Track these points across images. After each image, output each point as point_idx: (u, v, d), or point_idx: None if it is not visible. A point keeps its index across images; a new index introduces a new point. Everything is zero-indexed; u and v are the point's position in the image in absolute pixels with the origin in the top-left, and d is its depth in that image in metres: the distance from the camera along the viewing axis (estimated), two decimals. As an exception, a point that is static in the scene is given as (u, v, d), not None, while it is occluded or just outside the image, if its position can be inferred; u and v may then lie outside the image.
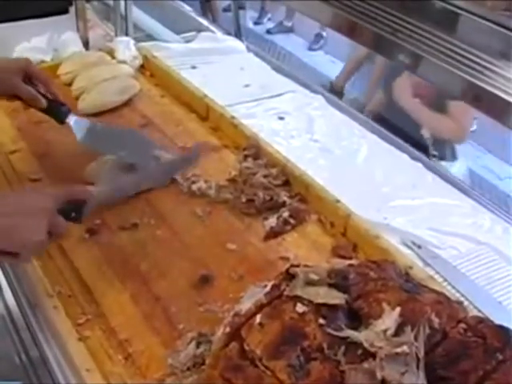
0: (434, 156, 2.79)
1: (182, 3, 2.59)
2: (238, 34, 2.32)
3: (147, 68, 1.93)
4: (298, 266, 0.92)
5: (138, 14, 2.42)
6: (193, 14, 2.48)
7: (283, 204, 1.36)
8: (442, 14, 1.15)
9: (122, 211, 1.33)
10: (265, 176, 1.41)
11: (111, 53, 1.90)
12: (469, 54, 1.13)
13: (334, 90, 4.10)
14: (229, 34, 2.30)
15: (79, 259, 1.21)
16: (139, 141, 1.48)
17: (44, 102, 1.36)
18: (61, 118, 1.39)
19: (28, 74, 1.37)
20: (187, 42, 2.22)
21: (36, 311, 1.12)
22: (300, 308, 0.84)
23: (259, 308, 0.87)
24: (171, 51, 2.08)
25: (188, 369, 0.96)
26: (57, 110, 1.39)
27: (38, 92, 1.36)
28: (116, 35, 2.19)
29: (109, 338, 1.05)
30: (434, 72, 1.23)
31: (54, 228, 1.03)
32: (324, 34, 5.72)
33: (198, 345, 0.99)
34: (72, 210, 1.10)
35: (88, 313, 1.10)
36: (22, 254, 0.99)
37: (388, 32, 1.23)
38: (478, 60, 1.11)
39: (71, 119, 1.39)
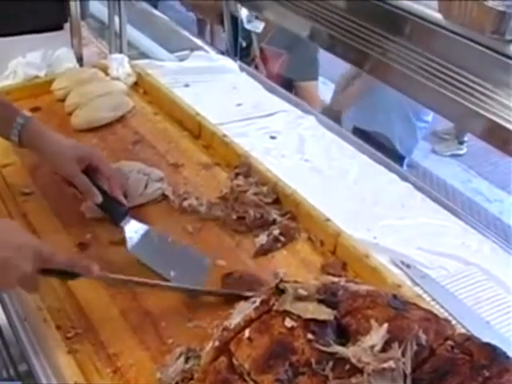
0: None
1: (175, 22, 2.62)
2: (231, 53, 2.34)
3: (141, 85, 1.94)
4: (287, 281, 0.93)
5: (132, 32, 2.44)
6: (186, 33, 2.50)
7: (273, 222, 1.36)
8: (429, 36, 1.17)
9: (113, 226, 1.33)
10: (255, 194, 1.42)
11: (105, 69, 1.91)
12: (461, 76, 1.14)
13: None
14: (222, 53, 2.32)
15: (69, 273, 1.21)
16: (193, 260, 1.27)
17: (99, 198, 1.31)
18: (115, 219, 1.30)
19: (92, 165, 1.33)
20: (181, 60, 2.24)
21: (25, 324, 1.11)
22: (289, 323, 0.84)
23: (248, 322, 0.87)
24: (165, 69, 2.09)
25: (176, 383, 0.96)
26: (113, 210, 1.32)
27: (96, 185, 1.31)
28: (110, 52, 2.21)
29: (98, 352, 1.06)
30: (424, 93, 1.25)
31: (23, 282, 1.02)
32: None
33: (187, 360, 0.99)
34: (64, 273, 1.07)
35: (77, 326, 1.10)
36: None
37: (378, 52, 1.24)
38: (468, 83, 1.13)
39: (126, 222, 1.29)
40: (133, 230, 1.28)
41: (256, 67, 2.73)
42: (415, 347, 0.81)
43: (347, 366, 0.79)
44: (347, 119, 3.34)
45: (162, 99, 1.84)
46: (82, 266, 1.08)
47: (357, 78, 3.37)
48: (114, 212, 1.32)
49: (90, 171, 1.33)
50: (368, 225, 1.43)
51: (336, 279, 0.98)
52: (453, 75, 1.14)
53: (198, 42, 2.43)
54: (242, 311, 0.91)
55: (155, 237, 1.29)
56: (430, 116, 3.23)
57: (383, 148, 2.98)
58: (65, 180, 1.37)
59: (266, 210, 1.38)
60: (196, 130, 1.70)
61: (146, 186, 1.42)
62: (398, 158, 3.19)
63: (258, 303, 0.90)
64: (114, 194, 1.34)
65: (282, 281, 0.93)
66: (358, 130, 3.20)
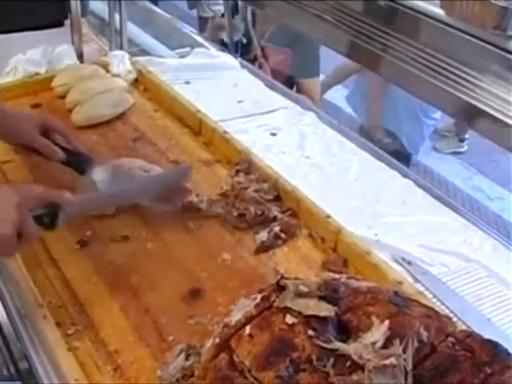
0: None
1: (176, 19, 2.62)
2: (231, 50, 2.34)
3: (141, 82, 1.93)
4: (288, 278, 0.93)
5: (132, 29, 2.44)
6: (187, 30, 2.49)
7: (274, 219, 1.36)
8: (431, 32, 1.17)
9: (113, 223, 1.34)
10: (256, 191, 1.41)
11: (105, 66, 1.91)
12: (462, 72, 1.14)
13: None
14: (223, 50, 2.32)
15: (70, 270, 1.21)
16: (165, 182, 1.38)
17: (62, 155, 1.33)
18: (82, 169, 1.34)
19: (46, 127, 1.35)
20: (181, 57, 2.23)
21: (26, 321, 1.11)
22: (289, 319, 0.84)
23: (249, 319, 0.87)
24: (165, 66, 2.09)
25: (177, 380, 0.96)
26: (77, 162, 1.35)
27: (56, 144, 1.33)
28: (110, 49, 2.20)
29: (98, 349, 1.06)
30: (426, 89, 1.25)
31: (23, 229, 1.00)
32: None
33: (187, 357, 0.99)
34: (46, 216, 1.06)
35: (78, 323, 1.10)
36: None
37: (379, 49, 1.24)
38: (470, 79, 1.13)
39: (92, 170, 1.33)
40: (100, 174, 1.32)
41: (260, 66, 2.72)
42: (416, 344, 0.81)
43: (348, 363, 0.79)
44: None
45: (162, 96, 1.84)
46: (55, 195, 1.08)
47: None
48: (78, 164, 1.35)
49: (47, 133, 1.35)
50: (369, 222, 1.43)
51: (337, 276, 0.98)
52: (454, 71, 1.13)
53: (199, 38, 2.42)
54: (242, 308, 0.91)
55: (124, 173, 1.35)
56: (437, 113, 3.22)
57: (391, 147, 3.00)
58: (26, 150, 1.38)
59: (266, 207, 1.37)
60: (196, 126, 1.70)
61: (146, 183, 1.43)
62: (405, 156, 3.19)
63: (258, 300, 0.90)
64: (75, 145, 1.37)
65: (282, 277, 0.93)
66: (365, 129, 3.21)
